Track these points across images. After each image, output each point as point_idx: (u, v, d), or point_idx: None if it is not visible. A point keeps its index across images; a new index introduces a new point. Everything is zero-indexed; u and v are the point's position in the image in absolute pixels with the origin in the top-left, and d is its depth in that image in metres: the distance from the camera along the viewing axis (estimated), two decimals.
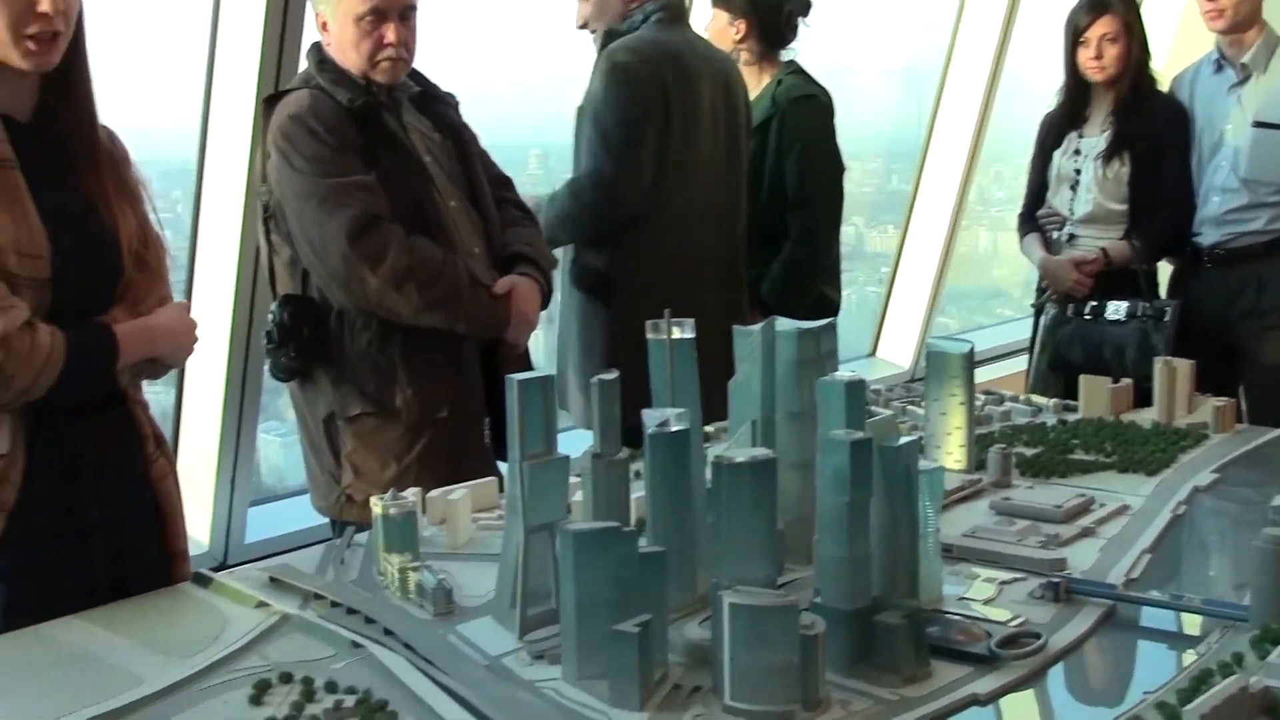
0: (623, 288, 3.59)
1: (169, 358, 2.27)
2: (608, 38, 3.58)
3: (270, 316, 2.94)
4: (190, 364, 3.88)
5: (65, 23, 2.08)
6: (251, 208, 3.56)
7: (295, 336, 2.88)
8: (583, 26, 3.66)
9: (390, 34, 2.86)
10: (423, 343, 2.89)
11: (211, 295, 3.83)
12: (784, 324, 2.06)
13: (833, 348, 2.12)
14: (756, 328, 2.03)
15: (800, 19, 4.09)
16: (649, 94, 3.51)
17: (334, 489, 2.97)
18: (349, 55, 2.89)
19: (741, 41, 4.05)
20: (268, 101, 2.95)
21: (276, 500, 4.43)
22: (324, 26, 2.91)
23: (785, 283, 3.91)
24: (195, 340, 2.31)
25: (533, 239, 3.12)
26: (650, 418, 1.80)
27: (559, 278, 3.48)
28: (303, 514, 3.47)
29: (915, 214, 6.36)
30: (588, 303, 3.65)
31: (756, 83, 4.05)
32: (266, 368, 3.08)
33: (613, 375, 1.82)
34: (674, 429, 1.79)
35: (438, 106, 3.08)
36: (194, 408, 3.96)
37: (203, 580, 2.11)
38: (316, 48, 2.96)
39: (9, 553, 2.07)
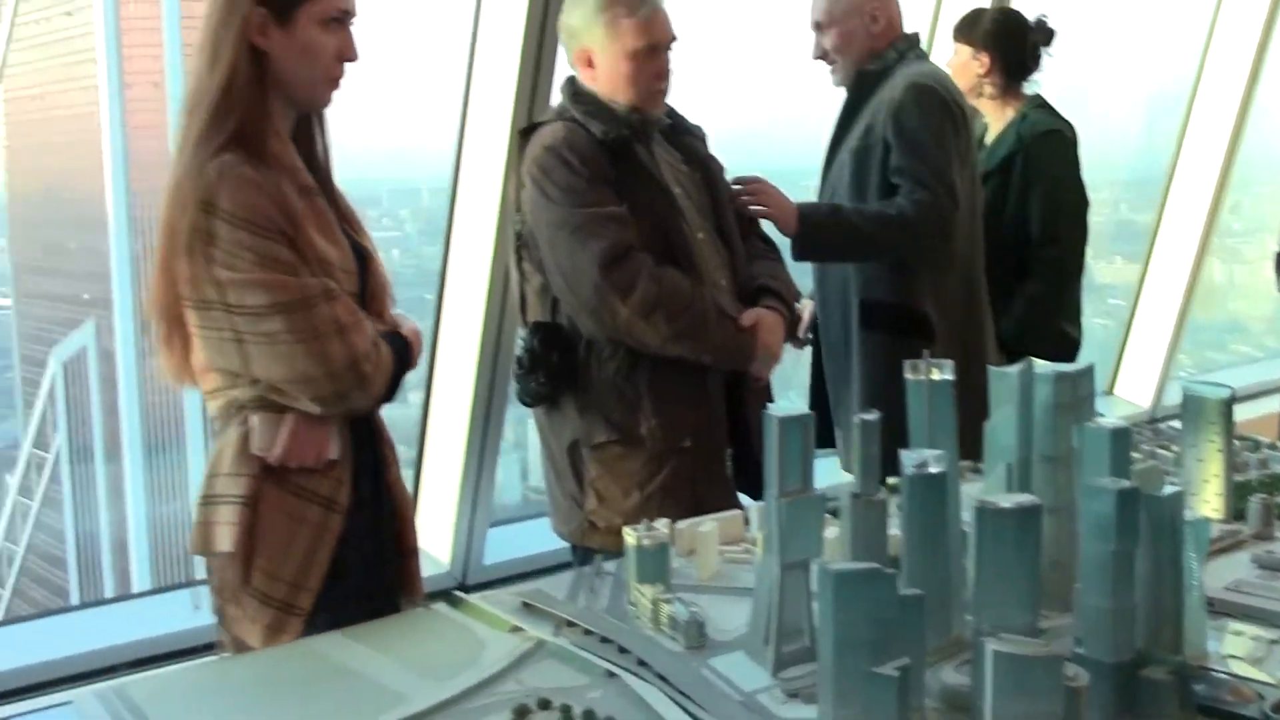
0: (919, 320, 3.53)
1: (413, 362, 2.43)
2: (861, 79, 3.54)
3: (520, 343, 3.03)
4: (437, 385, 4.05)
5: None
6: (503, 235, 3.67)
7: (544, 363, 2.96)
8: (821, 57, 3.63)
9: (662, 66, 2.97)
10: (668, 372, 2.93)
11: (460, 319, 3.96)
12: (1041, 366, 2.03)
13: (1090, 391, 2.08)
14: (1014, 370, 2.01)
15: (1044, 49, 4.03)
16: (959, 123, 3.48)
17: (576, 514, 3.03)
18: (621, 88, 2.97)
19: (985, 76, 4.01)
20: (523, 133, 3.05)
21: (512, 523, 4.54)
22: (588, 62, 3.00)
23: (1027, 320, 3.84)
24: (420, 346, 2.46)
25: (777, 272, 3.14)
26: (909, 458, 1.80)
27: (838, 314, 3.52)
28: (537, 538, 3.55)
29: (1157, 246, 6.18)
30: (881, 338, 3.56)
31: (1000, 116, 4.01)
32: (513, 392, 3.18)
33: (874, 415, 1.82)
34: (933, 470, 1.78)
35: (687, 139, 3.13)
36: (439, 429, 4.09)
37: (454, 601, 2.19)
38: (571, 82, 3.05)
39: (343, 552, 2.27)
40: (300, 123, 2.34)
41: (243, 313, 2.13)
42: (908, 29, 3.60)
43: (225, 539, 2.21)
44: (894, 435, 1.90)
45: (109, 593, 21.13)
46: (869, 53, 3.55)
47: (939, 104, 3.43)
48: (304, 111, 2.33)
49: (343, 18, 2.28)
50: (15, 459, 22.81)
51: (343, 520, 2.26)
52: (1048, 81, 4.12)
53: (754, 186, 3.23)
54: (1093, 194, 4.04)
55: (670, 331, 2.87)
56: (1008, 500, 1.58)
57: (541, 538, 3.29)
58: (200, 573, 2.64)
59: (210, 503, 2.25)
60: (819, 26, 3.56)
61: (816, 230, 3.32)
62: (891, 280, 3.53)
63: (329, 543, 2.24)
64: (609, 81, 2.98)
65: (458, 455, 3.99)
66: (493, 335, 3.90)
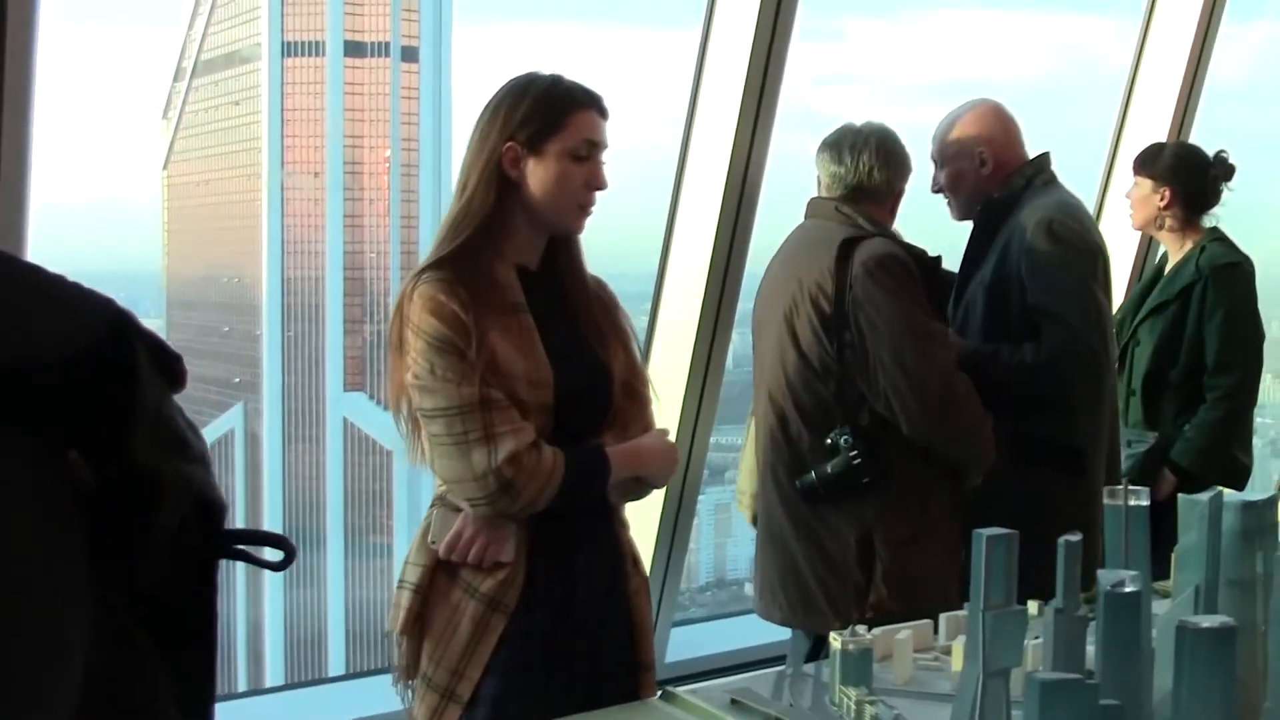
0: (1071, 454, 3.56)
1: (653, 478, 2.57)
2: (988, 208, 3.58)
3: (829, 440, 3.23)
4: None
5: None
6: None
7: (872, 456, 3.21)
8: (938, 191, 3.70)
9: None
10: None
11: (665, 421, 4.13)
12: (1229, 495, 2.15)
13: (1274, 519, 2.19)
14: (1203, 497, 2.13)
15: (1224, 184, 4.14)
16: (1094, 256, 3.51)
17: (853, 605, 3.25)
18: None
19: (1166, 209, 4.13)
20: (844, 248, 3.26)
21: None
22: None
23: (1200, 446, 3.94)
24: (675, 464, 2.60)
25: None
26: (1105, 578, 1.93)
27: None
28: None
29: None
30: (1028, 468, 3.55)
31: (1179, 248, 4.14)
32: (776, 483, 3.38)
33: (1077, 537, 1.96)
34: (1129, 590, 1.91)
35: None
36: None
37: (669, 696, 2.35)
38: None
39: (507, 650, 2.38)
40: (553, 244, 2.55)
41: (421, 414, 2.37)
42: (1039, 149, 3.64)
43: (398, 621, 2.42)
44: (1038, 553, 2.03)
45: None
46: (981, 192, 3.60)
47: (1073, 238, 3.44)
48: (556, 235, 2.54)
49: (592, 150, 2.49)
50: None
51: (508, 620, 2.39)
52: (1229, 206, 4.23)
53: None
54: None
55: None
56: (1207, 621, 1.71)
57: (708, 633, 3.44)
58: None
59: (399, 586, 2.47)
60: (935, 162, 3.68)
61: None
62: (1042, 416, 3.51)
63: (490, 640, 2.38)
64: None
65: (646, 550, 4.13)
66: (688, 432, 4.06)
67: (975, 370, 3.30)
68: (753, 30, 3.86)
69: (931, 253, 3.30)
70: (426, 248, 2.58)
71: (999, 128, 3.59)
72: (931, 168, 3.68)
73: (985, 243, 3.56)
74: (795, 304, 3.29)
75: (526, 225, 2.49)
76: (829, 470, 3.19)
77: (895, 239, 3.30)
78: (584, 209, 2.51)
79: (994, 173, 3.57)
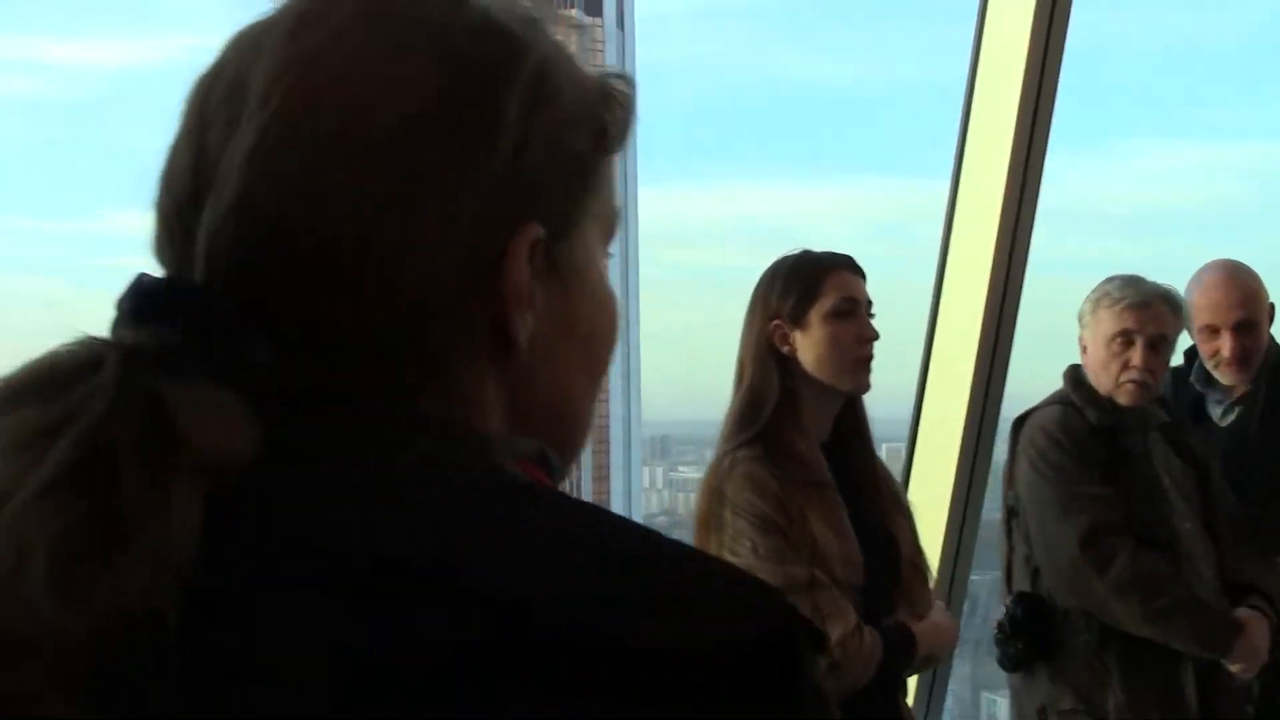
0: None
1: (939, 654, 2.54)
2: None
3: (1004, 609, 3.18)
4: None
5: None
6: None
7: (1024, 631, 3.10)
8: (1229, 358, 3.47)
9: (1136, 358, 3.07)
10: (1140, 652, 3.03)
11: None
12: None
13: None
14: None
15: None
16: None
17: None
18: (1099, 375, 3.13)
19: None
20: (1019, 420, 3.25)
21: None
22: (1084, 349, 3.19)
23: None
24: (956, 639, 2.55)
25: (1269, 576, 3.18)
26: None
27: None
28: None
29: None
30: None
31: None
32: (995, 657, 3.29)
33: None
34: None
35: (1184, 437, 3.23)
36: None
37: None
38: (1074, 369, 3.23)
39: None
40: (846, 405, 2.55)
41: None
42: None
43: None
44: None
45: None
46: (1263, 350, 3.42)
47: None
48: (844, 400, 2.55)
49: (854, 306, 2.51)
50: None
51: None
52: None
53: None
54: None
55: (1144, 612, 2.97)
56: None
57: None
58: None
59: None
60: (1209, 331, 3.38)
61: None
62: None
63: None
64: (1092, 368, 3.16)
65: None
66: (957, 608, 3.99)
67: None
68: (1005, 170, 3.83)
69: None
70: None
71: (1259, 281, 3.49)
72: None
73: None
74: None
75: (812, 398, 2.50)
76: (997, 635, 3.17)
77: (1076, 402, 3.13)
78: (862, 364, 2.50)
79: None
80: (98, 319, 0.67)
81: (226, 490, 0.61)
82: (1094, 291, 3.18)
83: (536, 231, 0.71)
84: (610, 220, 0.78)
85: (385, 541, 0.60)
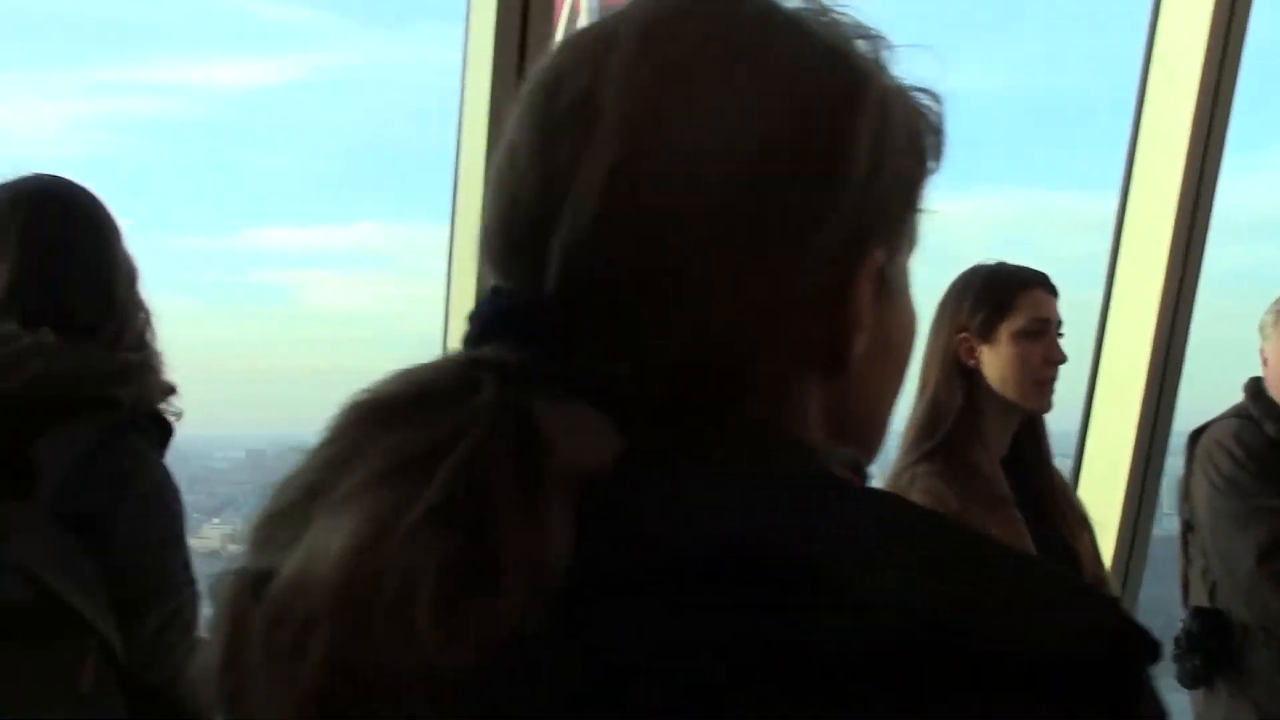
0: None
1: None
2: None
3: (1181, 624, 3.11)
4: None
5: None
6: None
7: (1202, 647, 3.02)
8: None
9: None
10: None
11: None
12: None
13: None
14: None
15: None
16: None
17: None
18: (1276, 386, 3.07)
19: None
20: (1196, 432, 3.17)
21: None
22: (1264, 361, 3.12)
23: None
24: None
25: None
26: None
27: None
28: None
29: None
30: None
31: None
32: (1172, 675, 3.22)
33: None
34: None
35: None
36: None
37: None
38: (1254, 381, 3.16)
39: None
40: (1025, 422, 2.53)
41: None
42: None
43: None
44: None
45: None
46: None
47: None
48: (1025, 417, 2.52)
49: (1044, 327, 2.48)
50: None
51: None
52: None
53: None
54: None
55: None
56: None
57: None
58: None
59: None
60: None
61: None
62: None
63: None
64: (1274, 380, 3.09)
65: None
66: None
67: None
68: (1179, 178, 3.76)
69: None
70: None
71: None
72: None
73: None
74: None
75: (994, 413, 2.47)
76: (1175, 651, 3.07)
77: (1255, 415, 3.06)
78: (1045, 385, 2.48)
79: None
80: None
81: (590, 498, 0.63)
82: (1275, 303, 3.12)
83: (880, 258, 0.73)
84: (917, 237, 0.79)
85: (751, 541, 0.61)
